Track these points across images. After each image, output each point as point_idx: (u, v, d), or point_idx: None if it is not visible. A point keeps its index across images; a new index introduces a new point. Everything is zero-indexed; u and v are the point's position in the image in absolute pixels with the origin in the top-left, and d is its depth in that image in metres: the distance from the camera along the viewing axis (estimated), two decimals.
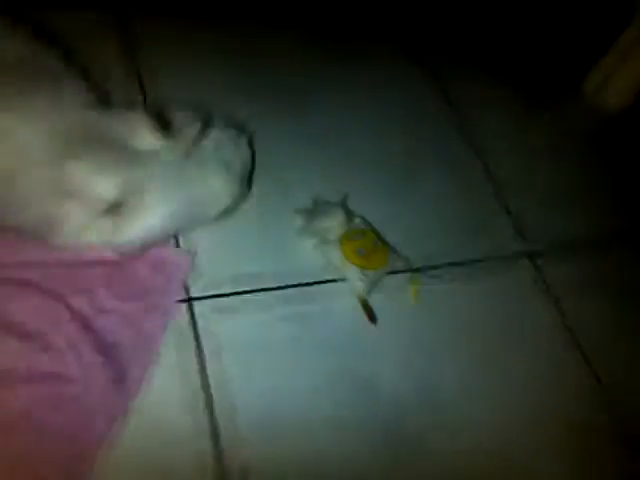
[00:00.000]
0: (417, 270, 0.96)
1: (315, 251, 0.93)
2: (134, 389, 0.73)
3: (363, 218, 0.97)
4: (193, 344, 0.79)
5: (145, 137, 0.78)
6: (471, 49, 1.42)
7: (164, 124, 0.79)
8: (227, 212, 0.89)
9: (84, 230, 0.76)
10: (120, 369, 0.73)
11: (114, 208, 0.75)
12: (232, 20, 1.24)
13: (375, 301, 0.90)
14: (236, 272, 0.88)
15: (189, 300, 0.83)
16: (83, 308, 0.76)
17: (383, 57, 1.33)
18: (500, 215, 1.12)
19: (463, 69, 1.36)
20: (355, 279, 0.90)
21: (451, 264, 1.00)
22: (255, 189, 0.96)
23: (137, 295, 0.80)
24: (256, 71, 1.15)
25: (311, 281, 0.91)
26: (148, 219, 0.78)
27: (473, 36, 1.46)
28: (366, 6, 1.40)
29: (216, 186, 0.84)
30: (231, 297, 0.85)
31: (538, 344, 0.96)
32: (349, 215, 0.96)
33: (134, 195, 0.76)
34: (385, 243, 0.95)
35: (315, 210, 0.96)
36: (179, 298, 0.82)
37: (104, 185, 0.74)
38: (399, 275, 0.95)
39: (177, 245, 0.87)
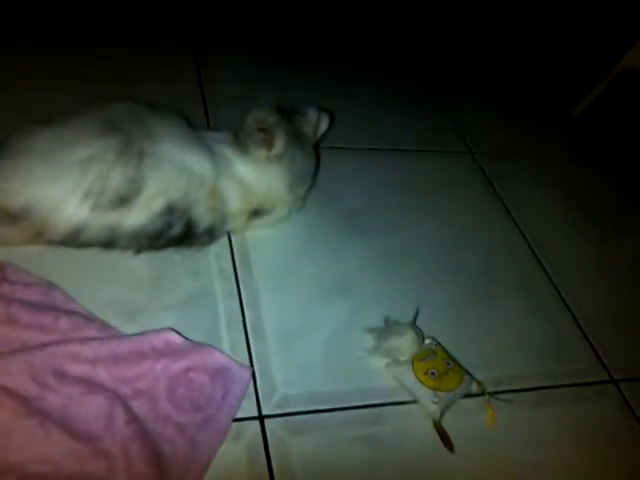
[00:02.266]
0: (493, 393, 0.92)
1: (387, 371, 0.93)
2: None
3: (434, 338, 0.97)
4: (264, 461, 0.78)
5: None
6: (538, 169, 1.48)
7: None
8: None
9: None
10: None
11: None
12: None
13: (449, 424, 0.87)
14: (308, 391, 0.88)
15: (261, 417, 0.83)
16: (142, 412, 0.77)
17: (454, 171, 1.40)
18: (578, 340, 1.08)
19: (531, 186, 1.42)
20: (428, 401, 0.88)
21: (529, 389, 0.97)
22: (327, 308, 1.00)
23: (194, 406, 0.80)
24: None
25: (383, 402, 0.89)
26: None
27: (542, 157, 1.53)
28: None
29: None
30: (303, 416, 0.84)
31: None
32: (420, 335, 0.96)
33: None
34: (457, 364, 0.94)
35: (386, 330, 0.96)
36: (234, 416, 0.81)
37: None
38: (473, 398, 0.92)
39: (251, 362, 0.89)
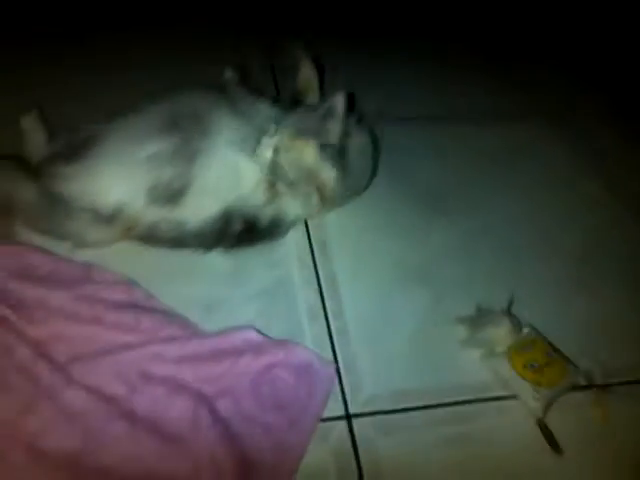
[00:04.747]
0: (602, 386, 0.84)
1: (481, 364, 0.86)
2: None
3: (532, 326, 0.89)
4: (353, 463, 0.75)
5: None
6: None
7: None
8: None
9: None
10: None
11: None
12: None
13: (553, 422, 0.80)
14: (396, 388, 0.83)
15: (348, 417, 0.79)
16: (227, 412, 0.76)
17: (547, 148, 1.29)
18: None
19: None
20: (529, 397, 0.81)
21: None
22: (409, 296, 0.94)
23: (279, 406, 0.78)
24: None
25: (477, 398, 0.83)
26: None
27: None
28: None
29: None
30: (391, 415, 0.80)
31: None
32: (516, 323, 0.88)
33: None
34: (560, 354, 0.86)
35: (479, 318, 0.89)
36: (320, 415, 0.78)
37: None
38: (580, 392, 0.84)
39: (335, 359, 0.85)
